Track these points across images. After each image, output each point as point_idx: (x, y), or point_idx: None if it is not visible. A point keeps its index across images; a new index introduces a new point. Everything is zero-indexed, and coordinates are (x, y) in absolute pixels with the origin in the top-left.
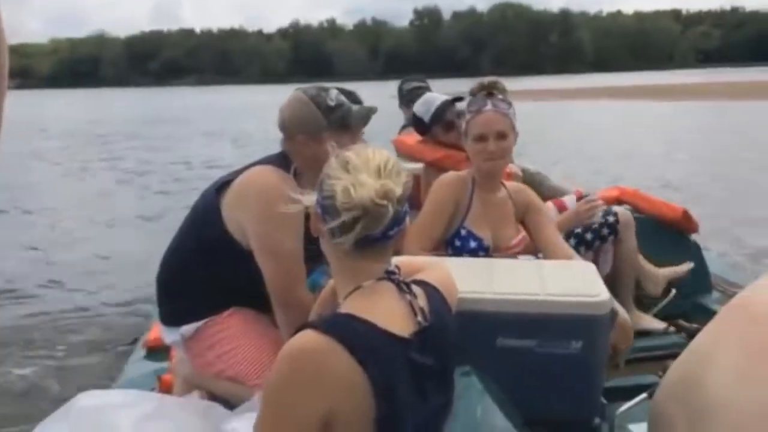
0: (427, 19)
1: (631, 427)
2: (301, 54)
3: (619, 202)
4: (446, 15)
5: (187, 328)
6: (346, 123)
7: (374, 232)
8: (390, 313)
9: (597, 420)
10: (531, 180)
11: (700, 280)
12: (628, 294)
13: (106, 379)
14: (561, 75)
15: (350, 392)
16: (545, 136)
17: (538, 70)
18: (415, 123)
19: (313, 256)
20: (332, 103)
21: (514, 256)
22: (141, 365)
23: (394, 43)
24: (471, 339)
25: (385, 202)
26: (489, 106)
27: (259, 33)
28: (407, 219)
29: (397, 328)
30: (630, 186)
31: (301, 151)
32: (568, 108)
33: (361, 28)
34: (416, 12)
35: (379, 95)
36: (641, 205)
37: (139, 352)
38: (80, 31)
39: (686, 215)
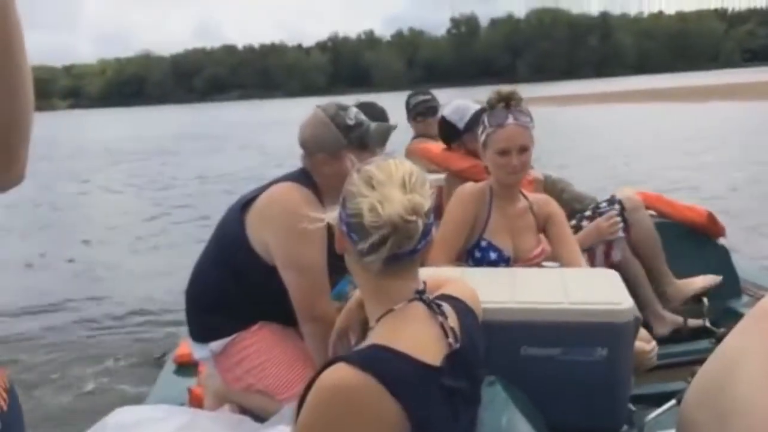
0: (464, 27)
1: None
2: (340, 66)
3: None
4: (483, 22)
5: (217, 344)
6: (365, 142)
7: (404, 249)
8: (423, 340)
9: (625, 427)
10: (553, 187)
11: (729, 285)
12: (664, 269)
13: (138, 395)
14: (601, 79)
15: (387, 429)
16: (579, 141)
17: (577, 74)
18: (446, 130)
19: (338, 269)
20: (351, 122)
21: (536, 265)
22: (171, 380)
23: (431, 52)
24: (495, 348)
25: (414, 217)
26: (511, 120)
27: (299, 47)
28: (433, 231)
29: (430, 356)
30: (653, 191)
31: (322, 169)
32: (606, 112)
33: (398, 38)
34: (453, 20)
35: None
36: (665, 210)
37: (170, 367)
38: (127, 50)
39: (711, 218)
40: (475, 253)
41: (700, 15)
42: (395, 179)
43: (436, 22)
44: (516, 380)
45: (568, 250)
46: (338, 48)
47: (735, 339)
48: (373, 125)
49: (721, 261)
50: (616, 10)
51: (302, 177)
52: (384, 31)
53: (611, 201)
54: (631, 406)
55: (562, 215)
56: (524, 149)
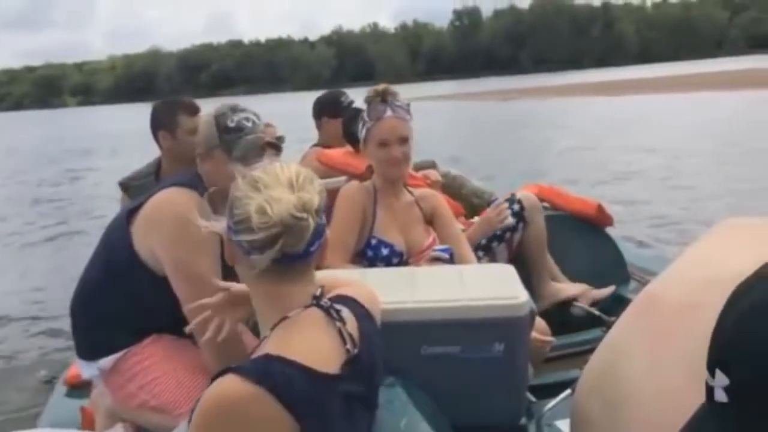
0: (467, 18)
1: (558, 423)
2: (345, 59)
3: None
4: (486, 14)
5: (106, 361)
6: (230, 149)
7: (296, 249)
8: (319, 347)
9: (524, 420)
10: (452, 183)
11: (617, 271)
12: (543, 271)
13: (28, 419)
14: (604, 68)
15: None
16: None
17: (580, 65)
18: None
19: (231, 277)
20: (231, 125)
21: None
22: (63, 403)
23: (434, 44)
24: (395, 349)
25: (304, 214)
26: (389, 113)
27: (305, 41)
28: (326, 231)
29: (328, 363)
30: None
31: (202, 169)
32: (608, 104)
33: (402, 31)
34: (455, 12)
35: (419, 96)
36: (558, 202)
37: (60, 389)
38: (140, 46)
39: (600, 209)
40: (367, 252)
41: (704, 2)
42: (282, 180)
43: (441, 12)
44: (417, 380)
45: (458, 246)
46: (342, 41)
47: (621, 327)
48: (250, 137)
49: (609, 248)
50: None
51: (192, 180)
52: (391, 23)
53: (511, 200)
54: (531, 397)
55: (447, 211)
56: (404, 140)
